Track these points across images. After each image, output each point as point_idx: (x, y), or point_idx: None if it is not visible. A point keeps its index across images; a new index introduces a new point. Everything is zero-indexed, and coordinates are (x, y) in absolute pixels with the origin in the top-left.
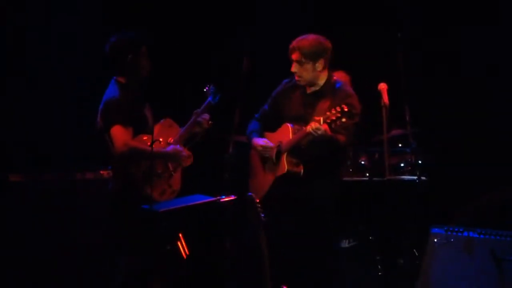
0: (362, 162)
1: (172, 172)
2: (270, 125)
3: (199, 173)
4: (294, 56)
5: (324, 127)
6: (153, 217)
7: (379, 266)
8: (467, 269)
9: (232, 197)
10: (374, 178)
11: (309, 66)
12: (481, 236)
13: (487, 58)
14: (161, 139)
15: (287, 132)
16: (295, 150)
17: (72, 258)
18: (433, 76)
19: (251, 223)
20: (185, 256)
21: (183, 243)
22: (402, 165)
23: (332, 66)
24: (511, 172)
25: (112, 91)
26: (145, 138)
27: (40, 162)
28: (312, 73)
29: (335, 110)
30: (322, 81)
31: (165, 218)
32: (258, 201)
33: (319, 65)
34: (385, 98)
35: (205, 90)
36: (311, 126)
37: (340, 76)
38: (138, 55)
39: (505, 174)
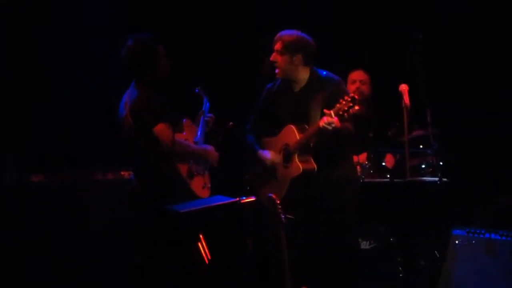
0: (383, 164)
1: (206, 170)
2: (264, 132)
3: (220, 174)
4: (276, 46)
5: (335, 119)
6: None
7: (400, 268)
8: (488, 271)
9: (252, 198)
10: (395, 180)
11: (286, 58)
12: (503, 238)
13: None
14: (188, 138)
15: (292, 133)
16: (305, 148)
17: (94, 258)
18: (455, 77)
19: (272, 224)
20: (205, 257)
21: (204, 244)
22: (423, 166)
23: (349, 66)
24: None
25: (139, 93)
26: (178, 137)
27: (62, 163)
28: (289, 66)
29: (345, 100)
30: (304, 76)
31: (186, 219)
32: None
33: (297, 59)
34: (406, 99)
35: (196, 92)
36: (324, 121)
37: (359, 75)
38: (157, 55)
39: None
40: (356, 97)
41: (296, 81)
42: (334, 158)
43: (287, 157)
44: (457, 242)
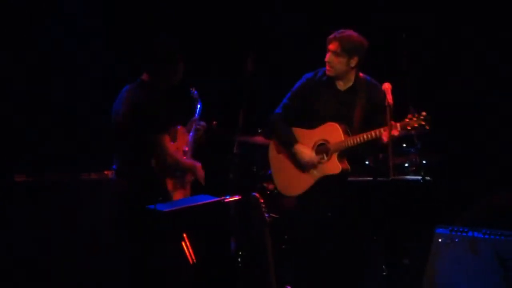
0: (367, 162)
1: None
2: (295, 120)
3: (204, 174)
4: (332, 46)
5: (398, 132)
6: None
7: (383, 266)
8: (471, 269)
9: (236, 197)
10: (379, 178)
11: (344, 60)
12: (486, 236)
13: (492, 58)
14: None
15: (336, 132)
16: (347, 149)
17: (77, 258)
18: (438, 76)
19: (256, 223)
20: (189, 257)
21: (188, 243)
22: (406, 165)
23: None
24: None
25: (145, 94)
26: (171, 146)
27: (45, 163)
28: (345, 67)
29: (418, 118)
30: (352, 77)
31: (170, 218)
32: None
33: (353, 61)
34: (389, 98)
35: (190, 93)
36: (392, 135)
37: None
38: (177, 62)
39: (509, 175)
40: (427, 115)
41: (344, 81)
42: (361, 163)
43: (322, 154)
44: (440, 240)
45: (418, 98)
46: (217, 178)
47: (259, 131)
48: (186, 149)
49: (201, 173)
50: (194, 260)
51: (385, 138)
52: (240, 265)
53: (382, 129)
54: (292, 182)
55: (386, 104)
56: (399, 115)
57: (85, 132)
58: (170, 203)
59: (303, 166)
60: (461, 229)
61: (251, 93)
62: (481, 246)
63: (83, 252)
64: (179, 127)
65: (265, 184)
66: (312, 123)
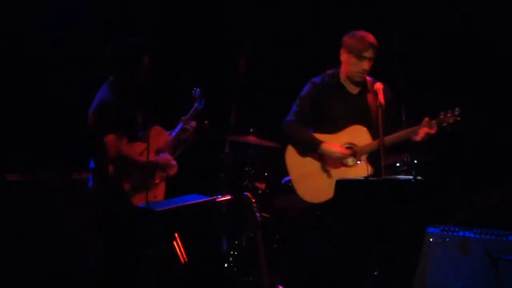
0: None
1: (158, 182)
2: (307, 126)
3: (196, 173)
4: (372, 54)
5: (434, 130)
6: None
7: (375, 265)
8: (463, 269)
9: (228, 197)
10: (370, 178)
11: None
12: (477, 235)
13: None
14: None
15: (363, 134)
16: (375, 151)
17: (70, 257)
18: (430, 75)
19: (248, 223)
20: (181, 256)
21: (180, 243)
22: (398, 165)
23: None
24: (507, 172)
25: (107, 94)
26: (136, 146)
27: (37, 162)
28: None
29: (451, 114)
30: (364, 80)
31: (161, 218)
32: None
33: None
34: (381, 98)
35: (192, 93)
36: (425, 131)
37: None
38: (140, 63)
39: (501, 174)
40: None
41: (357, 84)
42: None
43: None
44: (431, 240)
45: (410, 98)
46: (209, 177)
47: (251, 130)
48: (162, 147)
49: (167, 165)
50: (186, 260)
51: (419, 136)
52: (231, 264)
53: (417, 128)
54: (318, 188)
55: (378, 104)
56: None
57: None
58: (162, 203)
59: (329, 170)
60: (452, 229)
61: (243, 93)
62: (472, 246)
63: (75, 251)
64: (154, 127)
65: (256, 184)
66: (327, 128)
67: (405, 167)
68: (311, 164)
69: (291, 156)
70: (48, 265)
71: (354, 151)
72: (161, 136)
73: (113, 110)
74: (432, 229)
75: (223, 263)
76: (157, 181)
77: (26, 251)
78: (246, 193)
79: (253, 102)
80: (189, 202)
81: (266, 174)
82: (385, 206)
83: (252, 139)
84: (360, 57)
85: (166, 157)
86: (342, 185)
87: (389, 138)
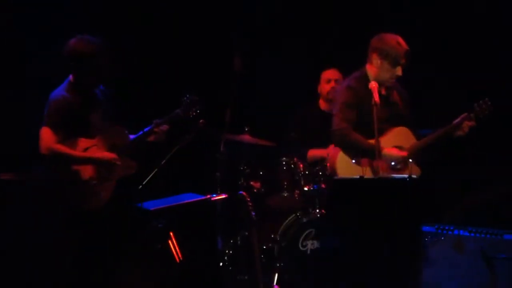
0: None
1: (96, 181)
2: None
3: (191, 172)
4: (408, 60)
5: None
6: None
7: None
8: (457, 267)
9: (223, 196)
10: (365, 177)
11: None
12: (472, 234)
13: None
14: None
15: (408, 135)
16: (420, 151)
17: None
18: (425, 74)
19: (243, 221)
20: (176, 255)
21: (175, 242)
22: (393, 163)
23: (325, 65)
24: (502, 171)
25: (58, 90)
26: (82, 141)
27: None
28: None
29: (485, 104)
30: None
31: (156, 216)
32: None
33: None
34: (376, 97)
35: (184, 99)
36: (468, 125)
37: (333, 74)
38: (95, 61)
39: (495, 173)
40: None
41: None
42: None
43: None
44: (426, 238)
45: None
46: (204, 176)
47: (246, 129)
48: (119, 145)
49: (112, 162)
50: (181, 259)
51: (463, 130)
52: (227, 263)
53: (458, 123)
54: None
55: (373, 103)
56: None
57: None
58: (156, 202)
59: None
60: (447, 227)
61: (238, 92)
62: (467, 244)
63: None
64: (114, 126)
65: (251, 183)
66: (368, 132)
67: (400, 166)
68: (363, 171)
69: (343, 163)
70: (41, 264)
71: (408, 153)
72: (120, 135)
73: (55, 104)
74: (427, 227)
75: (218, 262)
76: (94, 181)
77: (18, 250)
78: (241, 192)
79: (248, 101)
80: (184, 201)
81: (261, 173)
82: (380, 204)
83: (247, 138)
84: (396, 64)
85: (109, 155)
86: (338, 184)
87: (429, 138)
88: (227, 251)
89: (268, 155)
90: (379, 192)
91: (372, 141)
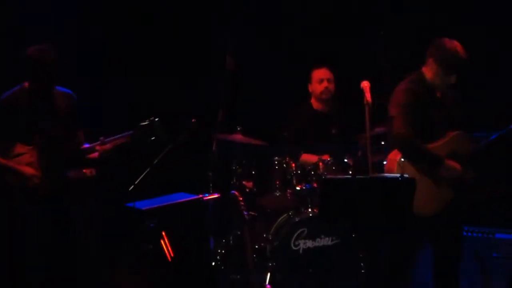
0: (346, 160)
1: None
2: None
3: (183, 171)
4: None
5: None
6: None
7: (361, 264)
8: None
9: (215, 195)
10: (358, 176)
11: None
12: (465, 233)
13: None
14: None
15: (465, 141)
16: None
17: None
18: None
19: (235, 221)
20: (168, 255)
21: (167, 242)
22: (385, 163)
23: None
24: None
25: (7, 93)
26: (18, 147)
27: None
28: None
29: None
30: None
31: (148, 216)
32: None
33: None
34: (368, 96)
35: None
36: None
37: (325, 74)
38: (47, 66)
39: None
40: None
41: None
42: None
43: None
44: None
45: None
46: (196, 176)
47: (238, 129)
48: None
49: (28, 177)
50: (173, 258)
51: None
52: (219, 263)
53: None
54: (432, 199)
55: (365, 102)
56: (377, 113)
57: None
58: (149, 201)
59: (443, 182)
60: None
61: (231, 91)
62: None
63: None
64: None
65: (244, 182)
66: (426, 136)
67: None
68: (425, 175)
69: (401, 167)
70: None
71: (460, 159)
72: (73, 144)
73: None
74: None
75: (211, 262)
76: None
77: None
78: (233, 192)
79: (241, 101)
80: (177, 201)
81: (253, 172)
82: (372, 204)
83: (239, 137)
84: (450, 73)
85: (27, 170)
86: (328, 183)
87: (468, 149)
88: (219, 251)
89: (260, 155)
90: (371, 191)
91: (431, 146)
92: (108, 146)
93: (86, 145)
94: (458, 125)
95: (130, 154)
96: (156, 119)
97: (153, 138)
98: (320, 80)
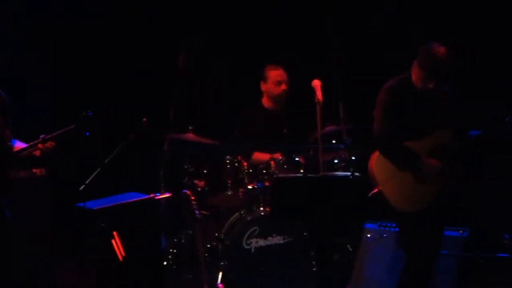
0: (297, 159)
1: None
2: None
3: (135, 171)
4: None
5: None
6: None
7: (313, 262)
8: (399, 264)
9: (167, 195)
10: (309, 175)
11: None
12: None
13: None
14: None
15: (448, 138)
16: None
17: None
18: (367, 72)
19: (187, 220)
20: (119, 254)
21: (118, 241)
22: (336, 161)
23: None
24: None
25: None
26: None
27: None
28: None
29: None
30: None
31: (99, 216)
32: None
33: None
34: (319, 95)
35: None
36: None
37: (282, 76)
38: None
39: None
40: None
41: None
42: None
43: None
44: (369, 235)
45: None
46: (148, 175)
47: (190, 128)
48: None
49: None
50: (124, 258)
51: None
52: (171, 262)
53: None
54: (414, 196)
55: (316, 101)
56: (328, 112)
57: None
58: (100, 201)
59: (424, 179)
60: (389, 224)
61: (182, 90)
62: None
63: None
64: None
65: (195, 181)
66: (409, 134)
67: (343, 163)
68: (403, 172)
69: (382, 166)
70: None
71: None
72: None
73: None
74: (369, 225)
75: (162, 261)
76: None
77: None
78: (185, 191)
79: (192, 99)
80: (128, 200)
81: (205, 171)
82: (323, 202)
83: (191, 136)
84: (430, 78)
85: None
86: (280, 182)
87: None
88: (171, 250)
89: (212, 154)
90: (322, 189)
91: (413, 144)
92: (51, 144)
93: (22, 144)
94: (451, 122)
95: (80, 153)
96: (90, 113)
97: (88, 133)
98: (278, 82)
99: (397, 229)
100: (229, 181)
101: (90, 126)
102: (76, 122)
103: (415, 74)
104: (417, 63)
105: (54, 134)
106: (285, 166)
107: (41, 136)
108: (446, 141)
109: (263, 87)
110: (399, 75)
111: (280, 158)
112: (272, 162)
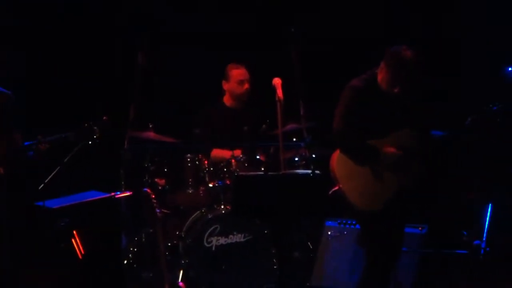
0: (258, 157)
1: None
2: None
3: (95, 169)
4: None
5: None
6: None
7: (274, 260)
8: (360, 261)
9: (127, 193)
10: (270, 173)
11: None
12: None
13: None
14: None
15: (409, 138)
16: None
17: None
18: (328, 71)
19: (148, 218)
20: (79, 253)
21: (78, 240)
22: (296, 159)
23: (229, 61)
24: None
25: None
26: None
27: None
28: None
29: None
30: None
31: (59, 215)
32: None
33: None
34: (280, 93)
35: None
36: None
37: (244, 75)
38: None
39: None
40: None
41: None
42: None
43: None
44: (329, 233)
45: (308, 93)
46: (108, 174)
47: (150, 126)
48: None
49: None
50: (84, 257)
51: None
52: (131, 261)
53: None
54: (374, 195)
55: (277, 99)
56: (288, 110)
57: None
58: (59, 200)
59: (382, 175)
60: (349, 222)
61: (142, 87)
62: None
63: None
64: None
65: (156, 180)
66: (371, 134)
67: (304, 161)
68: (363, 171)
69: (342, 165)
70: None
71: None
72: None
73: None
74: (330, 222)
75: (123, 260)
76: None
77: None
78: (145, 189)
79: (152, 97)
80: (88, 199)
81: (166, 170)
82: (284, 200)
83: (151, 134)
84: (395, 82)
85: None
86: (241, 180)
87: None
88: (131, 249)
89: (172, 152)
90: (282, 187)
91: (374, 142)
92: (44, 146)
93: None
94: (412, 123)
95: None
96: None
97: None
98: (241, 81)
99: (357, 226)
100: (190, 180)
101: (90, 136)
102: (76, 131)
103: (381, 76)
104: (385, 64)
105: (52, 138)
106: (246, 164)
107: (39, 137)
108: (406, 140)
109: (225, 86)
110: (363, 73)
111: (241, 156)
112: (233, 160)
